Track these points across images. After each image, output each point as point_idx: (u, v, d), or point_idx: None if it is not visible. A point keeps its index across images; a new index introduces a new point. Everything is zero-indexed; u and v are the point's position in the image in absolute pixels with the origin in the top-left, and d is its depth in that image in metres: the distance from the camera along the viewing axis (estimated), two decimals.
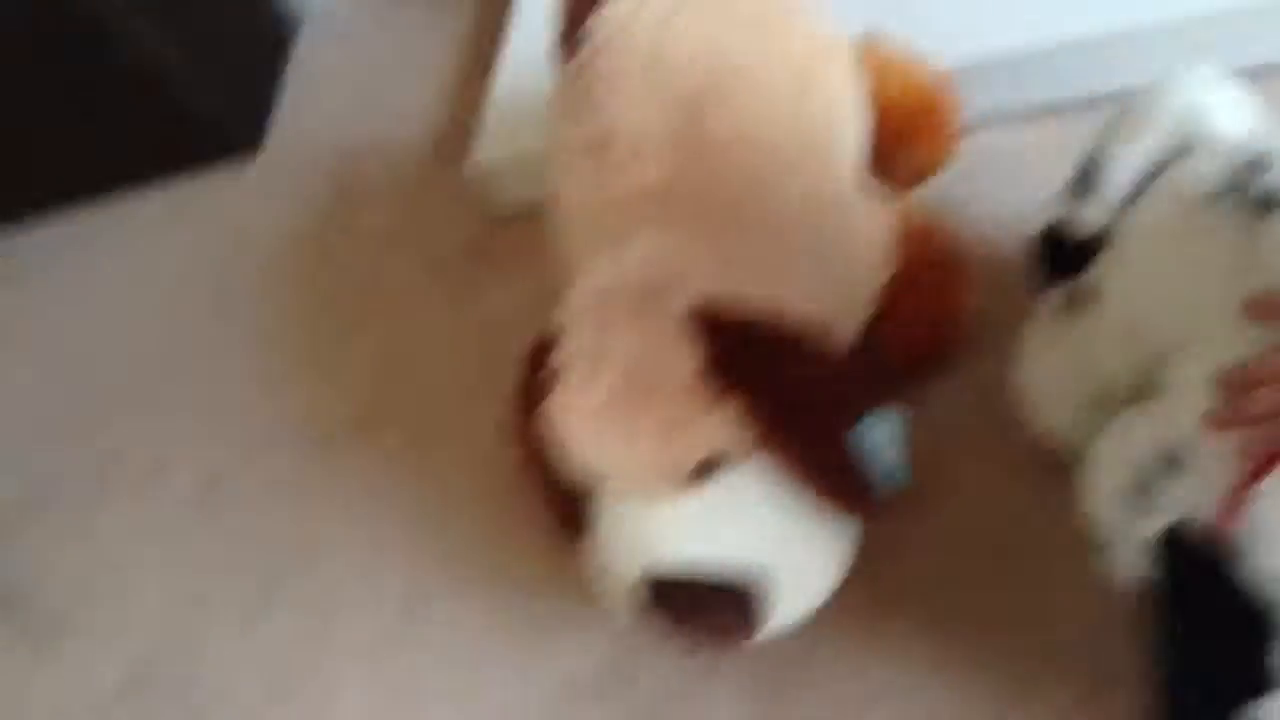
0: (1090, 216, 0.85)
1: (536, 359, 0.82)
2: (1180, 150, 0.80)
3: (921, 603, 0.96)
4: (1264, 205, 0.72)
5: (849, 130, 0.97)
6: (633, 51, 0.88)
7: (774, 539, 0.81)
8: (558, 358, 0.79)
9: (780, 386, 0.76)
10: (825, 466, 0.78)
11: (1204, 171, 0.77)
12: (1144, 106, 0.84)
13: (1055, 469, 0.89)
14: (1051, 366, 0.90)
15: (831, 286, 0.88)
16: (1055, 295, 0.89)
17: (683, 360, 0.75)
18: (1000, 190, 1.16)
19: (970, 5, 1.17)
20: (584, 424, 0.77)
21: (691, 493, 0.79)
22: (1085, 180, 0.85)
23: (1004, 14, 1.16)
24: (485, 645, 1.09)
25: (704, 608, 0.82)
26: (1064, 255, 0.87)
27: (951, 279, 1.03)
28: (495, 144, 1.32)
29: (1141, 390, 0.78)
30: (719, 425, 0.77)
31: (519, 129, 1.25)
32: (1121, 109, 0.86)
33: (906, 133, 1.06)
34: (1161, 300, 0.77)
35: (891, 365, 1.03)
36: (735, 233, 0.82)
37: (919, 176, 1.10)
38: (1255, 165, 0.75)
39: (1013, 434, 0.98)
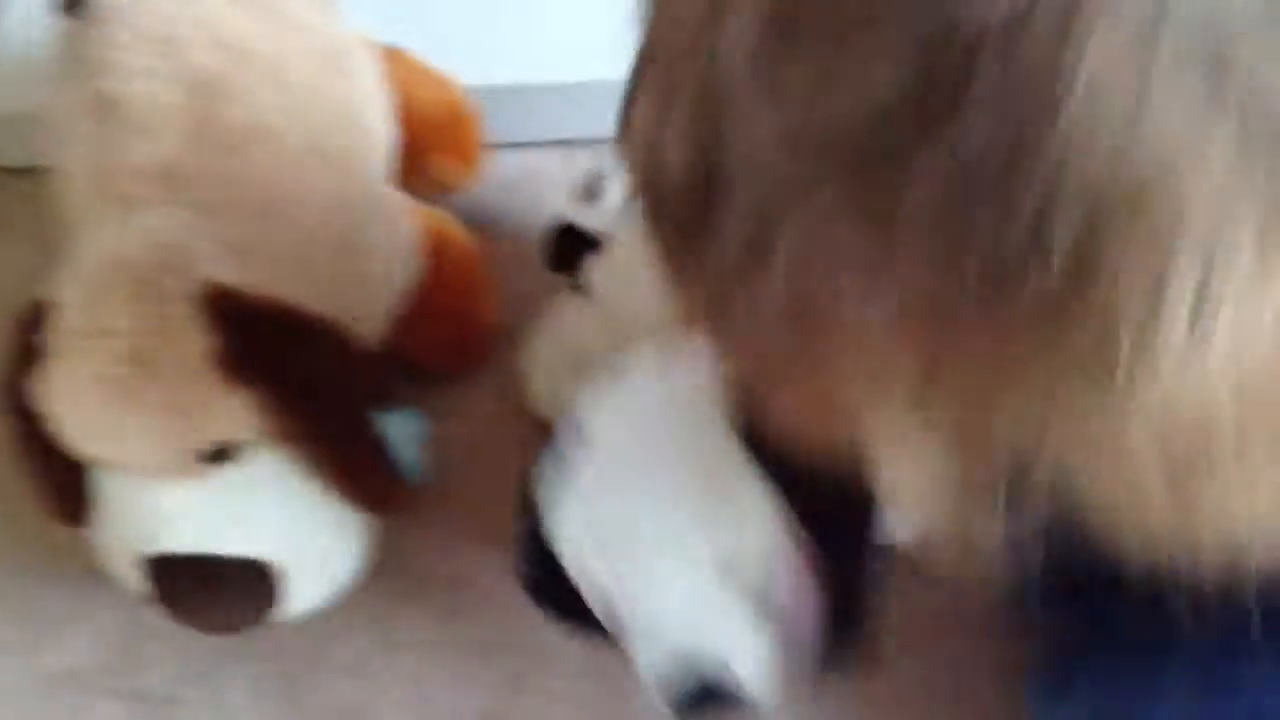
0: (592, 221, 0.98)
1: (31, 326, 0.75)
2: None
3: (429, 601, 0.99)
4: None
5: (376, 132, 0.98)
6: (148, 22, 0.83)
7: (288, 528, 0.81)
8: (53, 328, 0.73)
9: (296, 377, 0.76)
10: (342, 458, 0.79)
11: None
12: None
13: None
14: (545, 349, 1.02)
15: (354, 284, 0.89)
16: (561, 289, 1.01)
17: (190, 343, 0.72)
18: (523, 207, 1.22)
19: (493, 34, 1.21)
20: (79, 401, 0.72)
21: (201, 478, 0.77)
22: (590, 189, 1.00)
23: (527, 48, 1.21)
24: None
25: (213, 594, 0.80)
26: (572, 253, 0.99)
27: (474, 287, 1.07)
28: None
29: None
30: (231, 412, 0.75)
31: (24, 83, 1.14)
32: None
33: (434, 144, 1.09)
34: (638, 295, 0.88)
35: (417, 365, 1.05)
36: (251, 222, 0.81)
37: (445, 188, 1.13)
38: None
39: (536, 426, 1.04)
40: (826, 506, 0.67)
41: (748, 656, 0.66)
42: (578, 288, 0.98)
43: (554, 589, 0.72)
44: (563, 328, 1.01)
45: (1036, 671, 0.82)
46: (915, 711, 0.91)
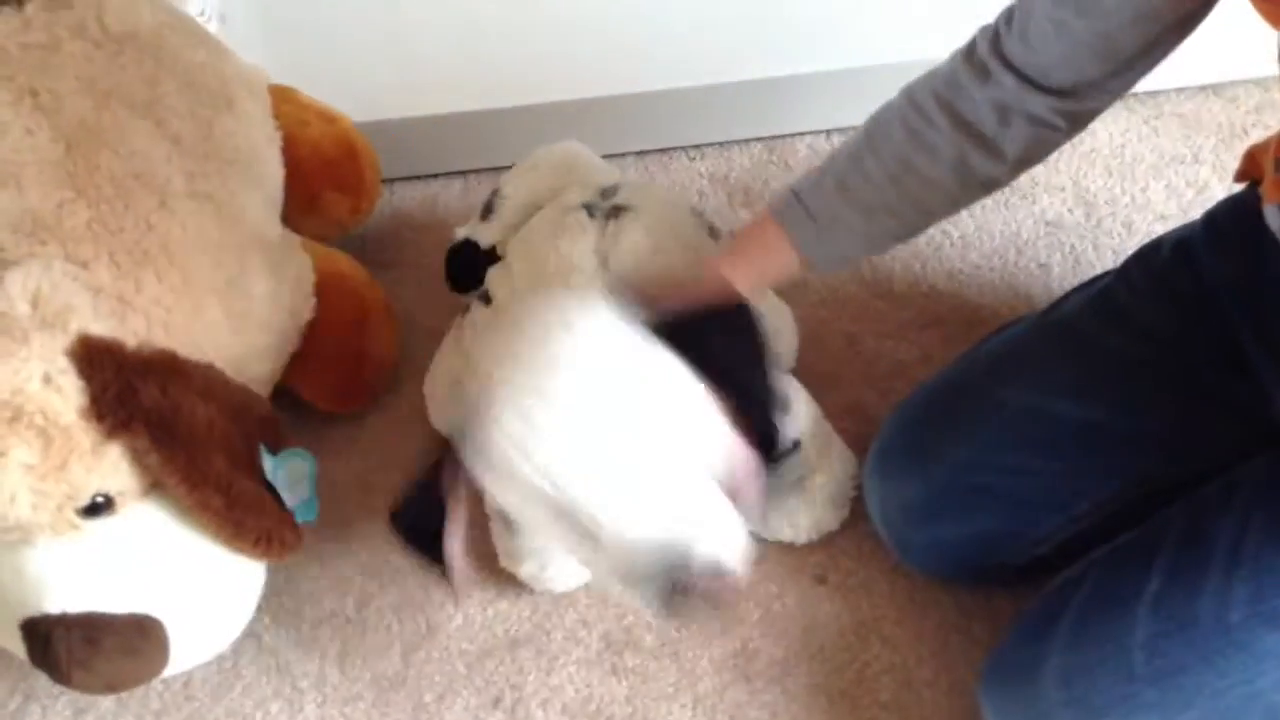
0: (489, 235, 1.03)
1: None
2: (555, 190, 1.02)
3: (327, 643, 0.98)
4: (612, 215, 0.95)
5: (266, 173, 0.98)
6: (10, 76, 0.82)
7: (174, 581, 0.79)
8: None
9: (177, 424, 0.74)
10: (227, 504, 0.77)
11: (571, 198, 0.98)
12: (534, 159, 1.06)
13: None
14: (448, 364, 1.05)
15: (241, 328, 0.88)
16: (460, 315, 1.05)
17: (65, 398, 0.70)
18: (423, 238, 1.23)
19: (384, 70, 1.23)
20: None
21: (81, 534, 0.75)
22: (488, 207, 1.05)
23: (418, 81, 1.23)
24: None
25: (98, 654, 0.77)
26: (471, 270, 1.03)
27: (368, 325, 1.07)
28: None
29: None
30: (109, 464, 0.73)
31: None
32: (520, 161, 1.06)
33: (327, 181, 1.09)
34: (535, 291, 0.93)
35: (313, 404, 1.05)
36: (132, 270, 0.79)
37: (341, 225, 1.14)
38: (608, 191, 0.98)
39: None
40: (722, 347, 0.75)
41: (717, 531, 0.70)
42: (481, 296, 1.01)
43: (425, 532, 0.75)
44: (461, 342, 1.03)
45: None
46: None
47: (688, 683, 0.93)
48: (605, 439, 0.67)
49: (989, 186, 0.81)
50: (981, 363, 0.95)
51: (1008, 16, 0.76)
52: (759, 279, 0.84)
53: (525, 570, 0.94)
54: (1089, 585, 0.80)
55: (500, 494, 0.69)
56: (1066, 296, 0.96)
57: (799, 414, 0.97)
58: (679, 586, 0.68)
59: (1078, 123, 0.79)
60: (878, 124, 0.81)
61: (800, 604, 0.97)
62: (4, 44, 0.83)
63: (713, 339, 0.75)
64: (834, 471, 0.98)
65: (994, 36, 0.76)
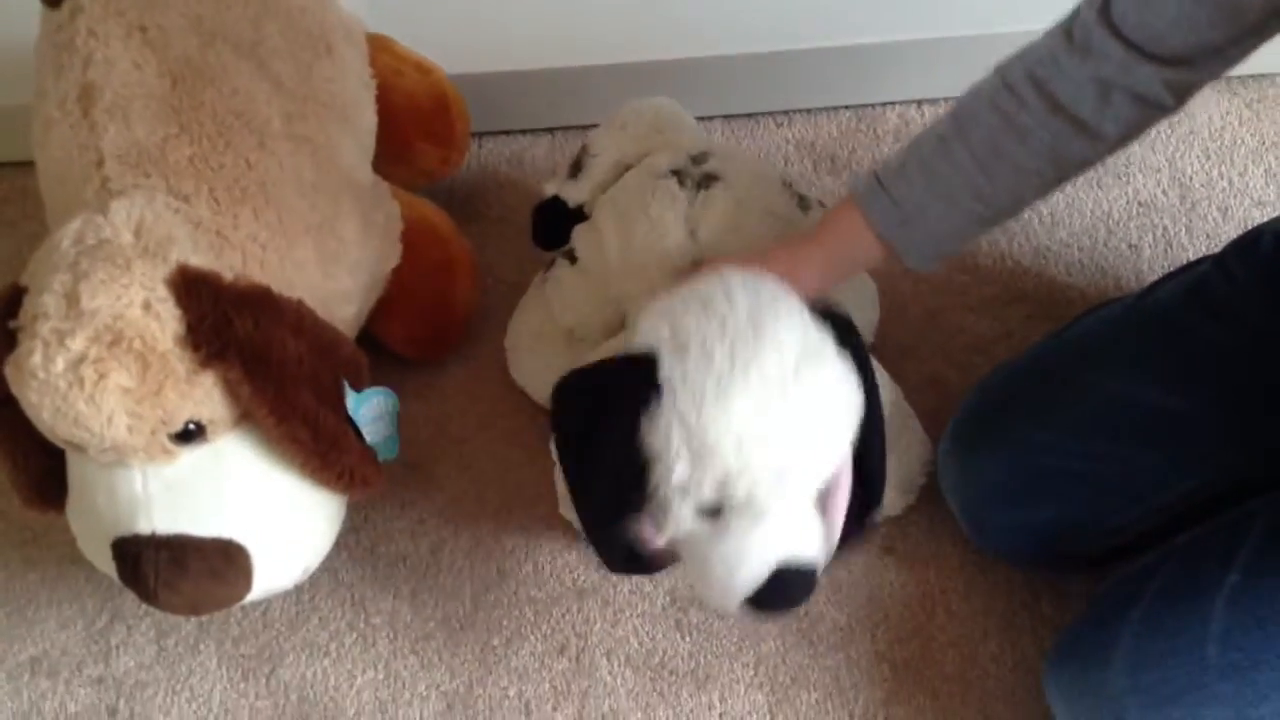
0: (577, 194, 1.02)
1: (6, 312, 0.75)
2: (644, 153, 1.00)
3: (400, 582, 1.00)
4: (702, 184, 0.93)
5: (360, 119, 0.99)
6: (121, 11, 0.84)
7: (259, 509, 0.81)
8: (28, 313, 0.74)
9: (268, 357, 0.76)
10: (313, 437, 0.79)
11: (660, 162, 0.97)
12: (624, 117, 1.04)
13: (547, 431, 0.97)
14: (530, 318, 1.06)
15: (332, 269, 0.89)
16: (543, 270, 1.05)
17: (163, 325, 0.73)
18: (510, 193, 1.24)
19: (478, 24, 1.22)
20: (50, 384, 0.72)
21: (172, 459, 0.77)
22: (576, 165, 1.03)
23: (509, 36, 1.22)
24: None
25: (185, 576, 0.80)
26: (557, 227, 1.03)
27: (453, 275, 1.07)
28: None
29: (611, 331, 0.96)
30: (202, 392, 0.75)
31: (11, 79, 1.14)
32: (608, 118, 1.04)
33: (419, 131, 1.10)
34: (622, 256, 0.93)
35: (396, 351, 1.06)
36: (231, 206, 0.81)
37: (430, 176, 1.14)
38: (698, 158, 0.96)
39: (517, 404, 1.06)
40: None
41: (814, 545, 0.70)
42: (567, 255, 1.00)
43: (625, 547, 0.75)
44: (543, 300, 1.03)
45: None
46: None
47: (751, 642, 0.94)
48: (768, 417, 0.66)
49: (1083, 167, 0.79)
50: (1070, 345, 0.93)
51: None
52: (835, 271, 0.83)
53: None
54: (1166, 573, 0.79)
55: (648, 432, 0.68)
56: (1160, 282, 0.94)
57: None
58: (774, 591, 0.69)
59: (1182, 97, 0.75)
60: (966, 107, 0.79)
61: (867, 573, 0.97)
62: None
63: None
64: (907, 456, 0.97)
65: (1103, 3, 0.73)
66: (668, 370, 0.68)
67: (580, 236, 1.00)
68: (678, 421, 0.66)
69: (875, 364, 0.95)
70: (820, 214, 0.98)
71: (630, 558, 0.75)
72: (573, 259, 1.00)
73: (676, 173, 0.95)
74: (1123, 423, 0.86)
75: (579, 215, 1.02)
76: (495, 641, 0.96)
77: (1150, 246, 1.14)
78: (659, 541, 0.72)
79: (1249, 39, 0.71)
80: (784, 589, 0.69)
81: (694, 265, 0.89)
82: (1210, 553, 0.78)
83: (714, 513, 0.69)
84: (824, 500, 0.72)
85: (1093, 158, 0.78)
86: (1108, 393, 0.87)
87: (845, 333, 0.73)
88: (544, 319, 1.04)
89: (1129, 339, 0.90)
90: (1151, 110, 0.75)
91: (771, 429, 0.66)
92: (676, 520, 0.69)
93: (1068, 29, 0.75)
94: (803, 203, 0.99)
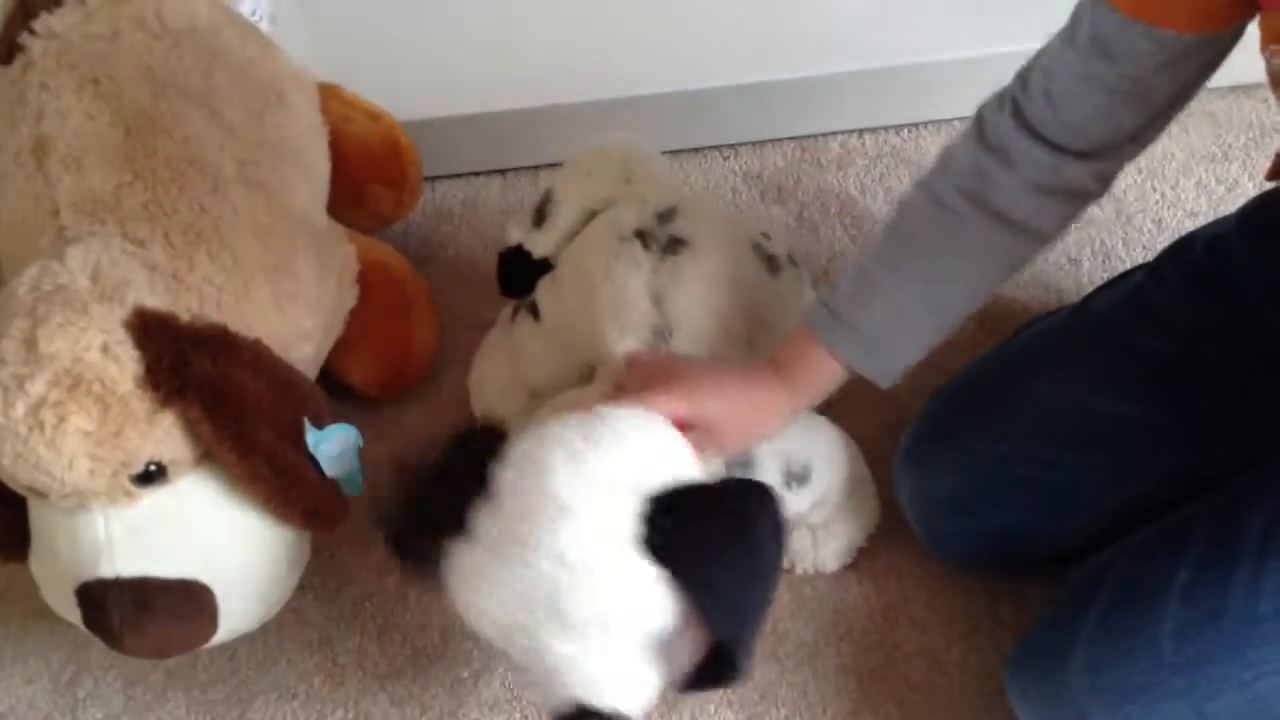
0: (542, 245, 1.00)
1: None
2: (610, 200, 0.98)
3: (367, 620, 1.00)
4: (669, 249, 0.92)
5: (313, 164, 1.01)
6: (72, 64, 0.86)
7: (223, 548, 0.82)
8: None
9: (227, 395, 0.77)
10: (275, 474, 0.79)
11: (626, 219, 0.94)
12: (589, 162, 1.02)
13: None
14: (496, 366, 1.06)
15: (290, 309, 0.90)
16: (509, 308, 1.05)
17: (122, 367, 0.73)
18: (463, 233, 1.26)
19: (427, 69, 1.26)
20: (10, 429, 0.72)
21: (134, 501, 0.78)
22: (540, 213, 1.01)
23: (455, 81, 1.26)
24: None
25: (150, 619, 0.80)
26: (520, 275, 1.02)
27: (410, 315, 1.10)
28: None
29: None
30: (162, 432, 0.76)
31: None
32: (572, 160, 1.03)
33: (371, 176, 1.13)
34: (585, 317, 0.92)
35: (356, 389, 1.08)
36: (186, 249, 0.82)
37: (383, 219, 1.17)
38: (665, 214, 0.94)
39: None
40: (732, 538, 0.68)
41: (634, 693, 0.69)
42: (530, 308, 1.00)
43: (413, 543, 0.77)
44: (510, 346, 1.04)
45: None
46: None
47: None
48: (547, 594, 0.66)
49: (1029, 260, 0.83)
50: (1014, 356, 0.96)
51: (1023, 85, 0.76)
52: (802, 406, 0.83)
53: None
54: (1119, 574, 0.81)
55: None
56: (1098, 292, 0.97)
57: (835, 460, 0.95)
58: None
59: (1107, 183, 0.79)
60: (904, 228, 0.81)
61: (830, 586, 0.98)
62: (68, 34, 0.88)
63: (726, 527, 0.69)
64: (855, 521, 0.97)
65: (1014, 109, 0.76)
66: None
67: (543, 291, 0.99)
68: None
69: (828, 423, 0.95)
70: (791, 275, 0.98)
71: None
72: (536, 314, 0.99)
73: (641, 235, 0.92)
74: (1069, 430, 0.88)
75: (545, 265, 1.00)
76: (465, 674, 0.96)
77: (1089, 259, 1.17)
78: None
79: (1160, 121, 0.75)
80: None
81: (655, 334, 0.89)
82: (1160, 551, 0.80)
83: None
84: (664, 649, 0.69)
85: (1036, 252, 0.82)
86: (1053, 401, 0.89)
87: (743, 500, 0.70)
88: (509, 374, 1.03)
89: (1070, 347, 0.93)
90: (1082, 201, 0.79)
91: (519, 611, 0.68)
92: None
93: (981, 138, 0.77)
94: (772, 265, 0.96)
